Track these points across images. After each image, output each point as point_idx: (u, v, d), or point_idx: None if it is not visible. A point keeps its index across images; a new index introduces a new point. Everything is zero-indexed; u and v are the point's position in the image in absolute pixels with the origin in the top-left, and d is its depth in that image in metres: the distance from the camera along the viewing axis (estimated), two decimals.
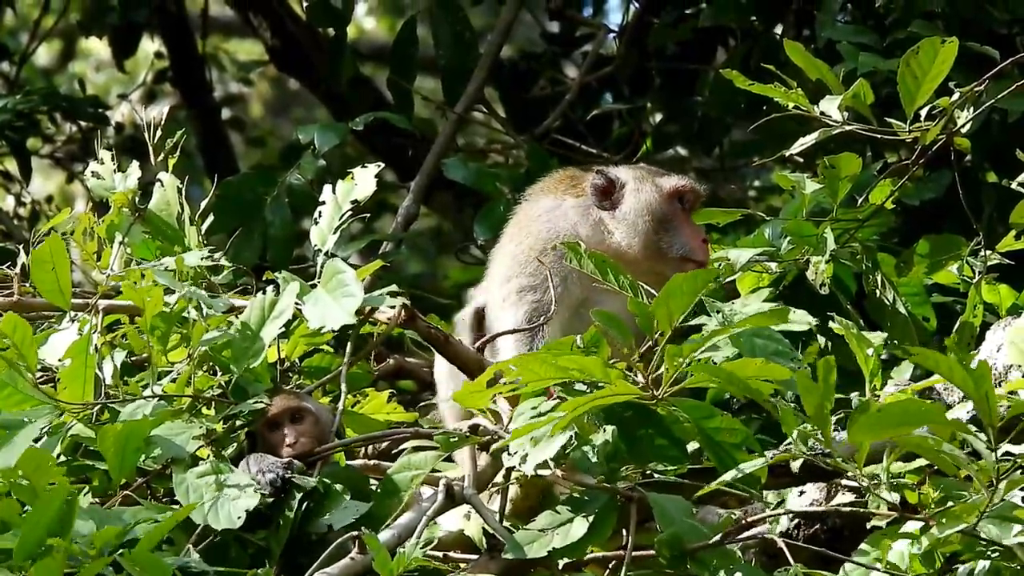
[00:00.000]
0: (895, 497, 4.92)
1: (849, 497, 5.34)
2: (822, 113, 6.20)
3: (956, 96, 6.15)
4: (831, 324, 5.51)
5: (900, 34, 7.75)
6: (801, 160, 8.06)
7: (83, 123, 10.79)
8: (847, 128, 6.20)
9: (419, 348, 7.22)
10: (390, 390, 6.45)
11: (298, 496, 5.30)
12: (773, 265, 6.46)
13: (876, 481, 4.93)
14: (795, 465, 5.32)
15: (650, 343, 5.18)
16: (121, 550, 4.73)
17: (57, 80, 13.81)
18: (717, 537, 5.03)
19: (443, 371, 6.27)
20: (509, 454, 5.14)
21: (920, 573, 4.83)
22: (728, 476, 4.96)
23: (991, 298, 6.59)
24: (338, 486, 5.33)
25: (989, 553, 4.75)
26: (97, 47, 13.43)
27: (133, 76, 12.55)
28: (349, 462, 5.70)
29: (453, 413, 6.17)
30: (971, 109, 6.19)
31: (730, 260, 6.31)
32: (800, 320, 5.32)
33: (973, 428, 4.72)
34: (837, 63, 7.35)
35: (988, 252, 6.48)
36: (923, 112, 6.12)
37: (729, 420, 5.12)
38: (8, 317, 5.38)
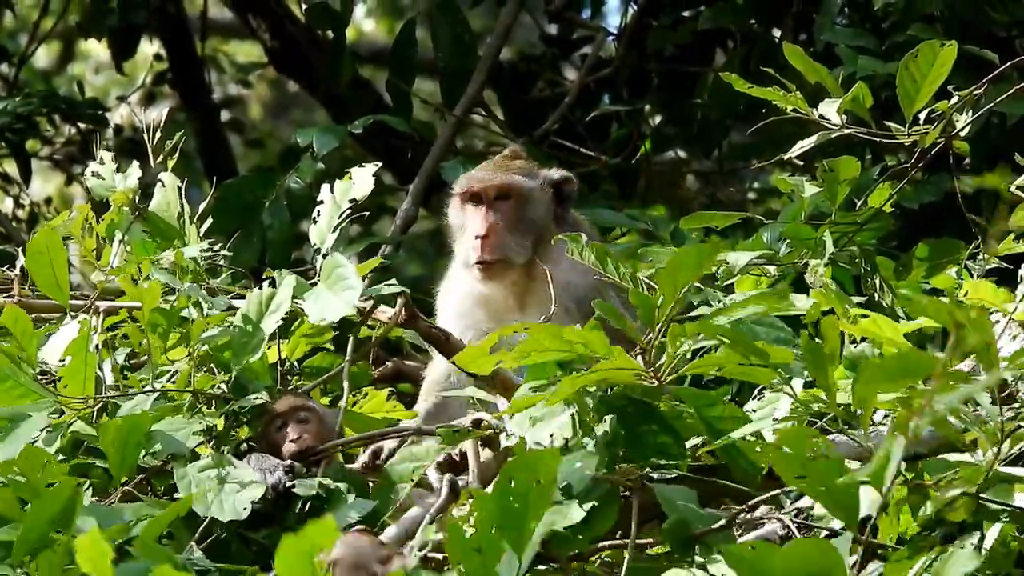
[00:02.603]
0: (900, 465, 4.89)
1: None
2: (821, 116, 6.20)
3: (955, 99, 6.15)
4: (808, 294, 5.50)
5: (899, 37, 7.75)
6: (801, 163, 8.06)
7: (82, 125, 10.78)
8: (846, 131, 6.20)
9: (417, 351, 7.22)
10: (389, 388, 6.46)
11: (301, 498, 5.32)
12: (772, 268, 6.47)
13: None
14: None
15: (652, 334, 5.17)
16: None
17: (56, 82, 13.80)
18: (723, 522, 5.03)
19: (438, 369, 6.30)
20: (507, 435, 5.13)
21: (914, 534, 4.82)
22: (724, 439, 4.96)
23: None
24: (341, 485, 5.34)
25: (1002, 517, 4.73)
26: (96, 49, 13.41)
27: (132, 78, 12.55)
28: (348, 465, 5.70)
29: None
30: (970, 112, 6.20)
31: (729, 263, 6.31)
32: (802, 304, 5.30)
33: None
34: (836, 66, 7.36)
35: (987, 256, 6.48)
36: (922, 115, 6.13)
37: (732, 408, 5.10)
38: (9, 309, 5.38)
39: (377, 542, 4.68)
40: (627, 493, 5.16)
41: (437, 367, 6.34)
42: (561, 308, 6.04)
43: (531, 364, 5.08)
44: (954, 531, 4.75)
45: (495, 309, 6.33)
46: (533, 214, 6.37)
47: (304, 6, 9.89)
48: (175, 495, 5.25)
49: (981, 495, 4.69)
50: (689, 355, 5.08)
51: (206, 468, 5.29)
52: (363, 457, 5.74)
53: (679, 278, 5.06)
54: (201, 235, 6.37)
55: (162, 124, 6.53)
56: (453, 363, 6.00)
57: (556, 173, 6.48)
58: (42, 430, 5.33)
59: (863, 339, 5.47)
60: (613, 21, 11.71)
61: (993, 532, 4.67)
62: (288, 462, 5.42)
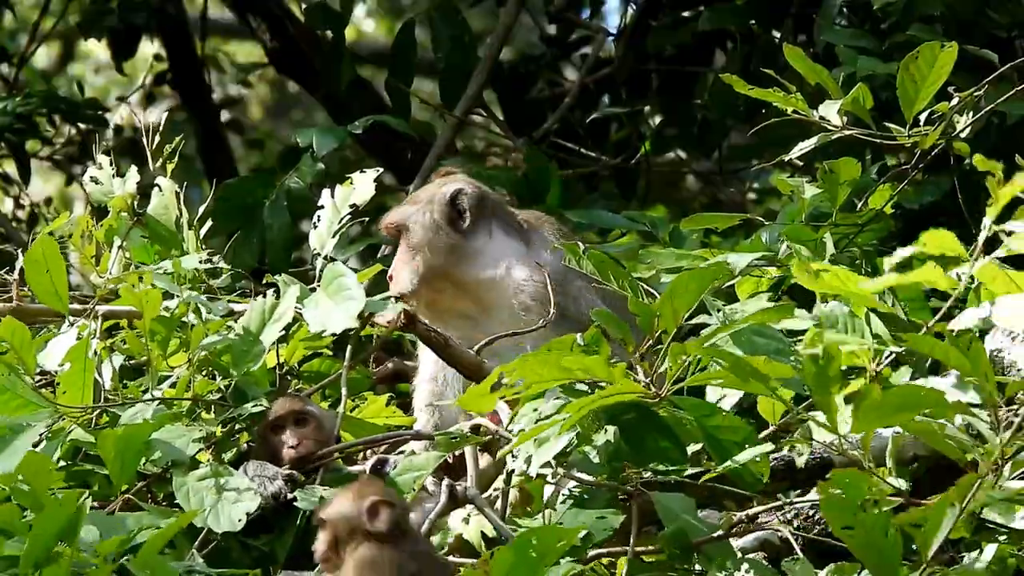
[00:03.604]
0: (901, 484, 4.89)
1: None
2: (821, 118, 6.20)
3: (955, 100, 6.15)
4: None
5: (899, 38, 7.74)
6: (801, 164, 8.05)
7: (82, 125, 10.77)
8: (846, 132, 6.20)
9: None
10: (389, 394, 6.45)
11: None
12: (772, 269, 6.46)
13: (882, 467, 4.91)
14: (800, 461, 5.31)
15: (651, 342, 5.17)
16: (126, 556, 4.72)
17: (56, 82, 13.80)
18: (721, 532, 5.03)
19: (426, 372, 6.30)
20: (513, 456, 5.14)
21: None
22: (728, 464, 4.96)
23: None
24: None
25: (997, 538, 4.73)
26: (96, 49, 13.41)
27: (132, 78, 12.55)
28: (349, 468, 5.70)
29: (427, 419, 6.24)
30: (970, 113, 6.19)
31: (729, 265, 6.30)
32: (803, 317, 5.30)
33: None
34: (836, 67, 7.34)
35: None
36: (922, 116, 6.12)
37: (731, 418, 5.11)
38: (6, 321, 5.37)
39: (364, 494, 4.75)
40: (626, 496, 5.17)
41: (426, 368, 6.33)
42: (521, 309, 6.13)
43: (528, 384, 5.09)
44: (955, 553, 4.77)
45: (459, 324, 6.32)
46: (416, 239, 6.37)
47: (304, 6, 9.89)
48: (175, 501, 5.25)
49: (981, 518, 4.70)
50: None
51: (204, 477, 5.28)
52: (367, 465, 5.73)
53: (679, 303, 5.07)
54: (201, 236, 6.37)
55: (162, 125, 6.53)
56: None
57: (448, 188, 6.45)
58: (41, 436, 5.32)
59: (835, 297, 5.43)
60: (613, 21, 11.68)
61: (990, 550, 4.67)
62: (287, 471, 5.41)
